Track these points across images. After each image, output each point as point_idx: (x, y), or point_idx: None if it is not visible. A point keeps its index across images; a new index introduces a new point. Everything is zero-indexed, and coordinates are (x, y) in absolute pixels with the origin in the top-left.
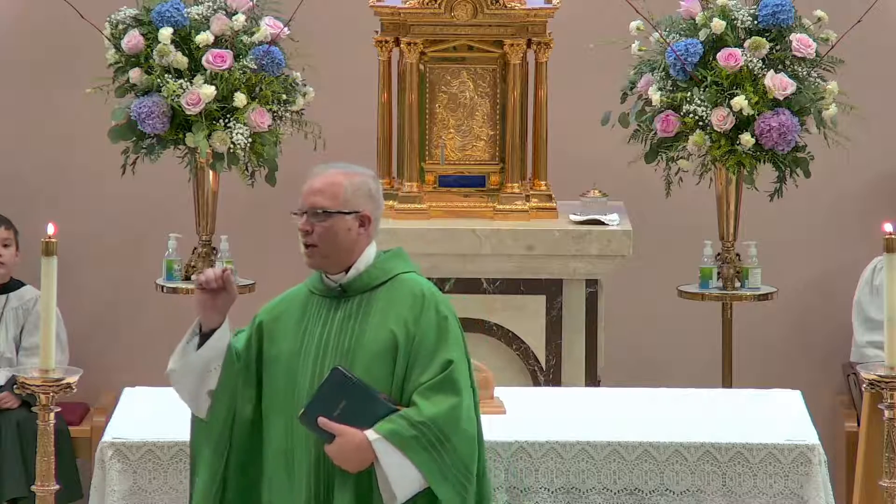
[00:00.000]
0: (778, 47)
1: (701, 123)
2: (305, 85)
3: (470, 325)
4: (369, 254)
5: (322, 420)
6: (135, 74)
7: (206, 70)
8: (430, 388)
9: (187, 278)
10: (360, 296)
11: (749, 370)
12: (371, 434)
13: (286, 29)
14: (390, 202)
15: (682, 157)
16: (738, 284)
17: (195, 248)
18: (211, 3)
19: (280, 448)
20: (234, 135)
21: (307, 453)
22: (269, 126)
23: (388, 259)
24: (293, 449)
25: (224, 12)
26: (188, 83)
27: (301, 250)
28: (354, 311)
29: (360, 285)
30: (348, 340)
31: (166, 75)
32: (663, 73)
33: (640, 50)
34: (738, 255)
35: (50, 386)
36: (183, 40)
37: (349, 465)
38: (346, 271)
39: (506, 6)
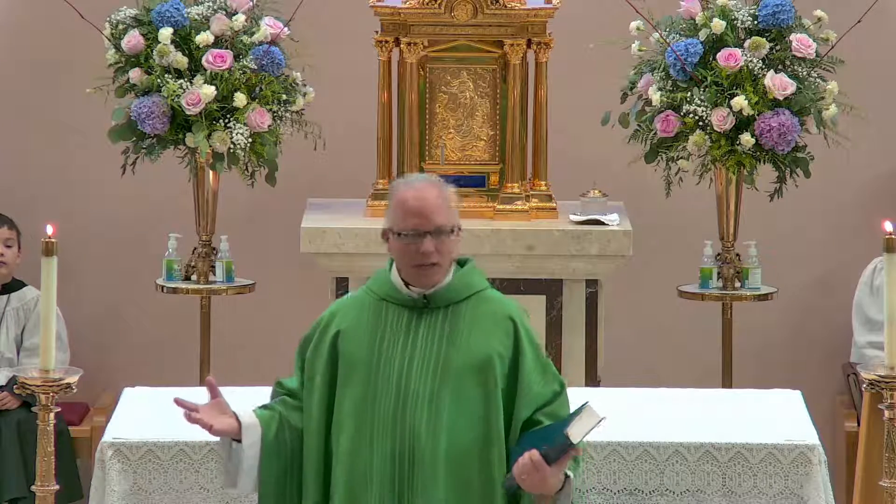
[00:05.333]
0: (778, 47)
1: (701, 123)
2: (305, 85)
3: None
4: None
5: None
6: (135, 74)
7: (206, 70)
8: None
9: (187, 278)
10: (444, 309)
11: (749, 370)
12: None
13: (286, 29)
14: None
15: (682, 157)
16: (738, 284)
17: (195, 248)
18: (211, 3)
19: (346, 450)
20: (234, 135)
21: (382, 459)
22: (269, 126)
23: (468, 273)
24: (360, 450)
25: (224, 12)
26: (188, 83)
27: (407, 269)
28: (440, 325)
29: (445, 298)
30: (437, 354)
31: (166, 75)
32: (663, 73)
33: (640, 50)
34: (738, 255)
35: (50, 386)
36: (183, 40)
37: (538, 488)
38: None
39: (506, 6)
